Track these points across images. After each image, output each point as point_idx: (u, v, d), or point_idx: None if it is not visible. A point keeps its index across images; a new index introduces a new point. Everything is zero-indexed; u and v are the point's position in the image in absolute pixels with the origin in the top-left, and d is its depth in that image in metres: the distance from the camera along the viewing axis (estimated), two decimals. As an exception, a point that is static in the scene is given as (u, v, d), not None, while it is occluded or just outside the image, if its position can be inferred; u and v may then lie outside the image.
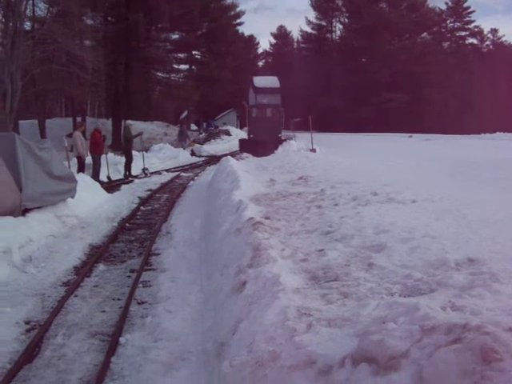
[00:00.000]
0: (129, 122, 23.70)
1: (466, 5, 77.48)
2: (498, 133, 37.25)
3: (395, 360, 2.93)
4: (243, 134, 44.55)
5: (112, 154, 22.46)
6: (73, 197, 12.06)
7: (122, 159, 21.12)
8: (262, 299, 4.71)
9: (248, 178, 12.95)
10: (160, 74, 48.66)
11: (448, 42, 79.43)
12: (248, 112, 30.37)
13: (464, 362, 2.57)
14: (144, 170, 21.29)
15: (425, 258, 5.44)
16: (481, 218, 7.35)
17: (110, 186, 17.14)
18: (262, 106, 30.32)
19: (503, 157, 18.91)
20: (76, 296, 6.95)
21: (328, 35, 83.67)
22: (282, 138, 28.94)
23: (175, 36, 50.00)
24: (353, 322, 3.79)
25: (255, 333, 4.12)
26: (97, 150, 18.09)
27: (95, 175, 17.45)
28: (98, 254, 8.90)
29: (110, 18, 41.38)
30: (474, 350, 2.60)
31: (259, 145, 27.29)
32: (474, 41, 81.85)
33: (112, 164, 20.22)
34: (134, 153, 21.50)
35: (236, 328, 4.61)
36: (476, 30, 79.79)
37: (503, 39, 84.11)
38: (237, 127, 52.69)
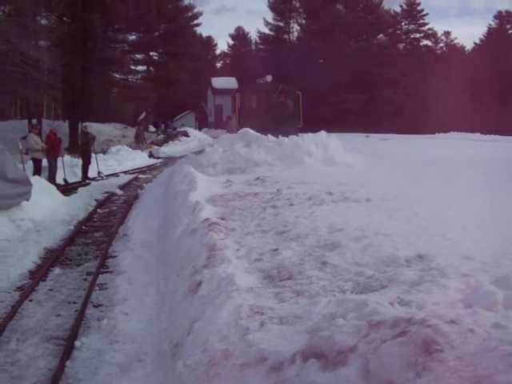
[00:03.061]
0: (85, 124, 23.32)
1: (419, 8, 78.92)
2: (451, 132, 38.00)
3: (343, 355, 3.01)
4: (202, 136, 44.30)
5: (69, 157, 22.13)
6: (28, 200, 11.83)
7: (79, 162, 20.85)
8: (216, 299, 4.75)
9: (205, 179, 12.95)
10: (117, 76, 48.09)
11: (403, 44, 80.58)
12: (237, 99, 18.91)
13: (407, 355, 2.67)
14: (99, 173, 21.05)
15: (377, 255, 5.56)
16: (432, 216, 7.54)
17: (67, 189, 16.90)
18: (261, 87, 19.68)
19: (457, 156, 19.33)
20: (31, 300, 6.85)
21: (286, 36, 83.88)
22: None
23: (132, 37, 49.37)
24: (304, 320, 3.87)
25: (209, 332, 4.16)
26: (52, 152, 17.83)
27: (51, 178, 17.18)
28: (53, 258, 8.78)
29: (65, 19, 40.54)
30: (417, 342, 2.69)
31: None
32: (428, 43, 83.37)
33: (69, 167, 19.93)
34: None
35: (191, 328, 4.64)
36: (430, 32, 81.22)
37: (456, 41, 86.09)
38: (195, 128, 52.57)
